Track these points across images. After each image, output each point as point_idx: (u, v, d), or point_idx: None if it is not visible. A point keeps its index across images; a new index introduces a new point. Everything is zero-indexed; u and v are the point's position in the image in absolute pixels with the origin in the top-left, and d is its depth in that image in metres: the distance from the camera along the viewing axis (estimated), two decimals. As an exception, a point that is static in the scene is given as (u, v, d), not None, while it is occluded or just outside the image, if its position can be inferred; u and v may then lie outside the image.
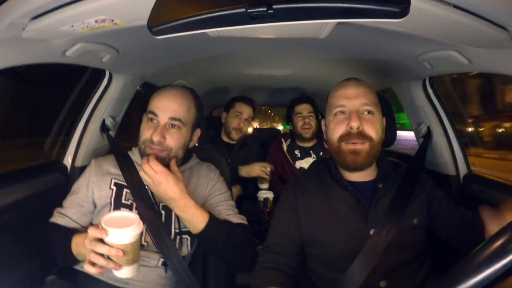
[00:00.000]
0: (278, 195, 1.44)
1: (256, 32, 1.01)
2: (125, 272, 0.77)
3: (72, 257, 0.89)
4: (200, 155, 1.19)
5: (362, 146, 0.88)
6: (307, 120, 1.98)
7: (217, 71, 1.88)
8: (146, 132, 0.97)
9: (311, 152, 2.03)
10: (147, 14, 0.51)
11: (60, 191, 1.13)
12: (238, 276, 1.10)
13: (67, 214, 0.98)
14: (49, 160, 1.44)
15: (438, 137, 1.41)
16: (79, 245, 0.85)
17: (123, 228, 0.73)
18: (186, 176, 1.07)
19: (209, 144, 1.90)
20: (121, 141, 1.11)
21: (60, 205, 1.02)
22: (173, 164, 0.94)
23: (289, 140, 2.09)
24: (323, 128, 1.01)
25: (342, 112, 0.91)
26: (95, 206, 1.01)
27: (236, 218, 1.02)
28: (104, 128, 1.41)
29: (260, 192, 1.71)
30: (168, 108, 0.97)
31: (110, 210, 0.97)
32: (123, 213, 0.80)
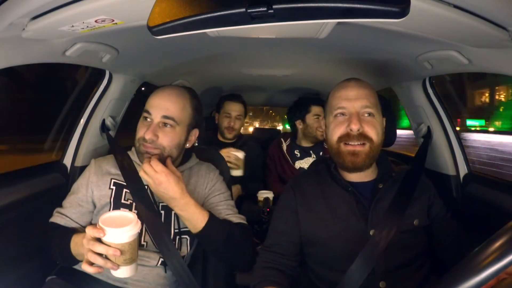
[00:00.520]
0: (278, 195, 1.44)
1: (256, 32, 1.01)
2: (123, 272, 0.76)
3: (71, 257, 0.89)
4: (200, 155, 1.19)
5: (362, 148, 0.88)
6: (322, 123, 1.96)
7: (217, 71, 1.89)
8: (141, 131, 0.98)
9: (311, 152, 2.03)
10: (147, 14, 0.51)
11: (60, 191, 1.13)
12: (238, 276, 1.10)
13: (66, 214, 0.98)
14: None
15: (438, 137, 1.41)
16: (78, 245, 0.85)
17: (121, 228, 0.73)
18: (186, 176, 1.07)
19: (206, 145, 1.89)
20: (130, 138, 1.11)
21: (60, 205, 1.02)
22: (169, 163, 0.94)
23: (288, 140, 2.08)
24: (323, 128, 1.01)
25: (343, 114, 0.91)
26: (94, 206, 1.01)
27: (236, 218, 1.02)
28: (104, 128, 1.41)
29: (260, 192, 1.71)
30: (162, 106, 0.97)
31: (109, 210, 0.97)
32: (121, 212, 0.80)
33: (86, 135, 1.39)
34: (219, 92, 2.42)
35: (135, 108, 1.51)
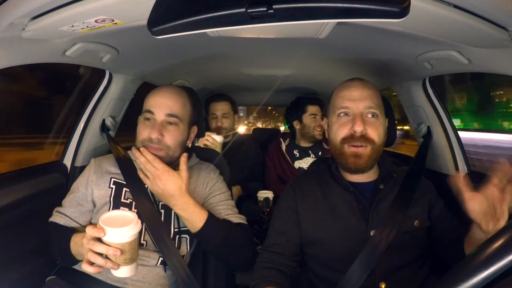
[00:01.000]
0: (278, 195, 1.44)
1: (256, 32, 1.01)
2: (123, 272, 0.76)
3: (71, 256, 0.89)
4: (200, 155, 1.19)
5: (364, 150, 0.88)
6: (321, 123, 1.98)
7: (217, 71, 1.88)
8: (143, 132, 0.96)
9: (310, 152, 2.03)
10: (147, 14, 0.51)
11: (60, 191, 1.13)
12: (238, 276, 1.10)
13: (66, 213, 0.98)
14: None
15: (438, 137, 1.41)
16: (78, 245, 0.85)
17: (121, 227, 0.73)
18: None
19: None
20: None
21: (60, 205, 1.02)
22: (183, 162, 0.93)
23: (288, 140, 2.09)
24: (325, 127, 1.01)
25: (346, 114, 0.91)
26: (94, 205, 1.01)
27: (236, 218, 1.02)
28: (104, 128, 1.41)
29: (260, 192, 1.71)
30: (164, 105, 0.97)
31: (109, 209, 0.97)
32: (121, 212, 0.80)
33: (86, 135, 1.39)
34: (219, 92, 2.42)
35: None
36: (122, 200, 0.99)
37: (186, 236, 1.01)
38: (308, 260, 0.96)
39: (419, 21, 0.74)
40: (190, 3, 0.49)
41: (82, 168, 1.15)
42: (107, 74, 1.37)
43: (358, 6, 0.44)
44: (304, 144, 2.05)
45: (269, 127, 10.56)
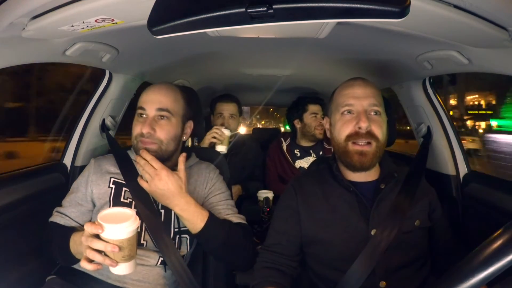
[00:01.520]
0: (278, 195, 1.44)
1: (256, 32, 1.01)
2: (122, 269, 0.76)
3: (71, 256, 0.89)
4: (200, 155, 1.19)
5: (369, 148, 0.88)
6: (322, 121, 1.97)
7: (217, 71, 1.89)
8: (137, 128, 0.98)
9: (311, 151, 2.03)
10: (147, 13, 0.51)
11: (60, 191, 1.13)
12: (238, 276, 1.10)
13: (66, 213, 0.98)
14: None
15: (438, 137, 1.41)
16: (77, 243, 0.85)
17: (119, 224, 0.73)
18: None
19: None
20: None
21: (60, 205, 1.02)
22: (181, 162, 0.94)
23: (288, 139, 2.09)
24: (327, 126, 1.01)
25: (350, 112, 0.91)
26: (94, 204, 1.01)
27: (236, 218, 1.02)
28: (104, 128, 1.41)
29: (260, 192, 1.71)
30: (155, 100, 0.99)
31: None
32: (120, 209, 0.80)
33: (86, 135, 1.39)
34: (219, 92, 2.42)
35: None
36: (122, 199, 0.99)
37: (186, 236, 1.01)
38: (309, 259, 0.96)
39: (419, 21, 0.74)
40: (190, 3, 0.49)
41: (82, 168, 1.15)
42: (107, 73, 1.37)
43: (358, 6, 0.44)
44: (305, 143, 2.05)
45: (270, 127, 10.56)
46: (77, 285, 0.94)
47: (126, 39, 1.04)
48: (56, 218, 0.99)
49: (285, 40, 1.16)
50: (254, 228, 1.49)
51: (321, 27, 0.92)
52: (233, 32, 1.00)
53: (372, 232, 0.86)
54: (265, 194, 1.67)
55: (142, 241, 0.96)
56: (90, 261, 0.75)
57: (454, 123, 1.43)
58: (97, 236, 0.74)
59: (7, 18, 0.71)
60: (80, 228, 0.96)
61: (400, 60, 1.25)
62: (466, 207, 1.32)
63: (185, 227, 0.98)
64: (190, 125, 1.08)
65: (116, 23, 0.78)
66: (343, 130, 0.90)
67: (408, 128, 1.67)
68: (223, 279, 1.12)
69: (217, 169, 1.15)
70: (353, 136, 0.89)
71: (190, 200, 0.92)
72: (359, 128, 0.87)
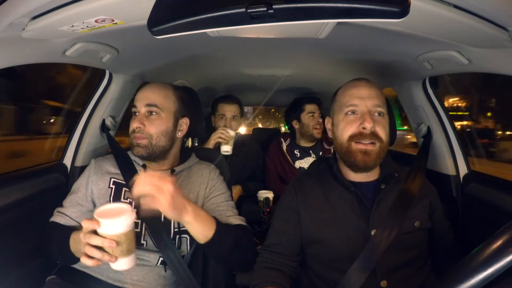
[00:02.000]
0: (278, 195, 1.44)
1: (256, 32, 1.01)
2: (121, 264, 0.76)
3: (71, 255, 0.89)
4: (200, 154, 1.19)
5: (373, 147, 0.88)
6: (320, 121, 1.98)
7: (217, 71, 1.88)
8: (130, 126, 1.02)
9: (310, 152, 2.03)
10: (147, 14, 0.51)
11: (60, 191, 1.13)
12: (238, 276, 1.10)
13: (66, 213, 0.99)
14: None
15: (438, 137, 1.41)
16: (77, 242, 0.85)
17: (115, 218, 0.73)
18: (185, 176, 1.07)
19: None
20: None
21: (60, 205, 1.02)
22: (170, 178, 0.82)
23: (288, 139, 2.09)
24: (329, 126, 1.00)
25: (354, 112, 0.91)
26: (94, 205, 1.01)
27: (236, 219, 1.02)
28: (104, 128, 1.41)
29: (260, 192, 1.71)
30: (144, 97, 1.02)
31: None
32: (116, 204, 0.80)
33: (86, 135, 1.39)
34: (219, 92, 2.42)
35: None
36: (122, 200, 0.99)
37: (186, 236, 1.01)
38: (309, 259, 0.96)
39: (419, 21, 0.74)
40: (190, 3, 0.49)
41: (82, 168, 1.15)
42: (107, 74, 1.37)
43: (358, 6, 0.44)
44: (304, 144, 2.05)
45: (271, 127, 10.57)
46: (77, 285, 0.94)
47: (126, 39, 1.04)
48: (56, 218, 0.99)
49: (285, 40, 1.16)
50: (254, 228, 1.49)
51: (321, 27, 0.92)
52: (233, 32, 1.00)
53: (372, 232, 0.86)
54: (265, 194, 1.67)
55: (142, 241, 0.96)
56: (90, 257, 0.75)
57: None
58: (95, 232, 0.74)
59: (7, 18, 0.71)
60: (80, 228, 0.96)
61: (400, 60, 1.25)
62: (466, 207, 1.32)
63: (184, 227, 0.98)
64: (185, 122, 1.08)
65: (116, 23, 0.78)
66: (346, 130, 0.90)
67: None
68: (223, 279, 1.12)
69: (217, 169, 1.15)
70: (357, 136, 0.88)
71: (197, 207, 0.86)
72: (364, 128, 0.87)
